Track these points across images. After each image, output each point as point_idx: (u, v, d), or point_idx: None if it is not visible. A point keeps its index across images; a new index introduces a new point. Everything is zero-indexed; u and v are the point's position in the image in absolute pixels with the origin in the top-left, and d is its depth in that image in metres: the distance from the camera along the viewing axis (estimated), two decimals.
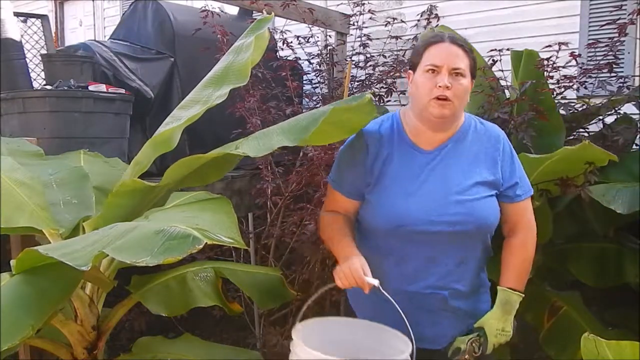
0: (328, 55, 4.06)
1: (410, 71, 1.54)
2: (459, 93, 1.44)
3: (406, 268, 1.51)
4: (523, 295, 1.51)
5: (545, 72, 2.77)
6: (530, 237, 1.56)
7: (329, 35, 4.40)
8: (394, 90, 3.84)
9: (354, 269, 1.39)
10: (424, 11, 4.07)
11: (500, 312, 1.49)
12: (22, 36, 3.23)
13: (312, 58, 4.01)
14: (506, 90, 2.87)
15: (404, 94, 3.80)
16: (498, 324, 1.48)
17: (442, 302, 1.51)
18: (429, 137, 1.51)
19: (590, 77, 2.87)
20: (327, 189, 1.69)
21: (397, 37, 4.05)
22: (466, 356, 1.48)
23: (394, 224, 1.48)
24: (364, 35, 4.00)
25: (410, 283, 1.50)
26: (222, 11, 3.86)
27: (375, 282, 1.39)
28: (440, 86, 1.42)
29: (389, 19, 4.06)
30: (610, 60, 2.85)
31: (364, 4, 4.01)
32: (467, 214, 1.45)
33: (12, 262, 1.40)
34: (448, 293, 1.51)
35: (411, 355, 1.29)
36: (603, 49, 2.91)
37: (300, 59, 3.95)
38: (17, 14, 3.28)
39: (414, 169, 1.51)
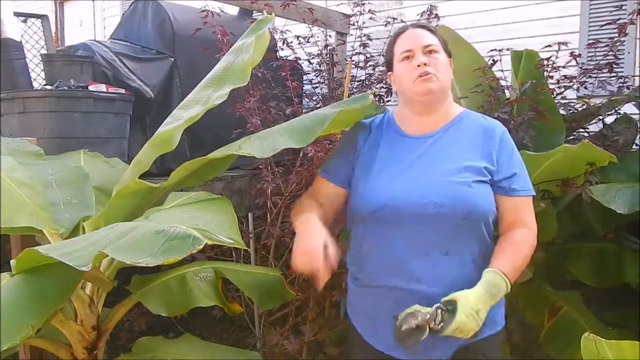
0: (328, 55, 4.06)
1: (389, 73, 1.56)
2: (439, 67, 1.44)
3: (392, 260, 1.43)
4: (510, 288, 1.33)
5: (545, 72, 2.77)
6: (530, 235, 1.43)
7: (329, 35, 4.40)
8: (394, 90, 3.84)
9: (314, 248, 1.25)
10: (424, 11, 4.07)
11: (482, 291, 1.29)
12: (22, 36, 3.22)
13: (312, 58, 4.01)
14: (506, 90, 2.88)
15: None
16: (476, 303, 1.27)
17: (424, 302, 1.33)
18: (418, 124, 1.51)
19: (590, 77, 2.87)
20: (314, 181, 1.64)
21: None
22: (426, 318, 1.25)
23: (378, 204, 1.42)
24: (364, 35, 4.00)
25: (393, 276, 1.43)
26: (222, 11, 3.86)
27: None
28: (418, 65, 1.43)
29: (389, 19, 4.06)
30: (610, 60, 2.85)
31: (364, 4, 4.01)
32: (455, 196, 1.37)
33: (12, 262, 1.40)
34: (432, 290, 1.36)
35: None
36: (603, 49, 2.91)
37: (300, 59, 3.95)
38: (17, 14, 3.27)
39: (401, 154, 1.49)
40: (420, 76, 1.43)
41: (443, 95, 1.48)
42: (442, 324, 1.26)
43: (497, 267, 1.34)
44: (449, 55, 1.52)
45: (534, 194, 1.48)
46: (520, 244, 1.41)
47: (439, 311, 1.27)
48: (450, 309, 1.27)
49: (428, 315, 1.26)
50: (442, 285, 1.36)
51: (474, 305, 1.26)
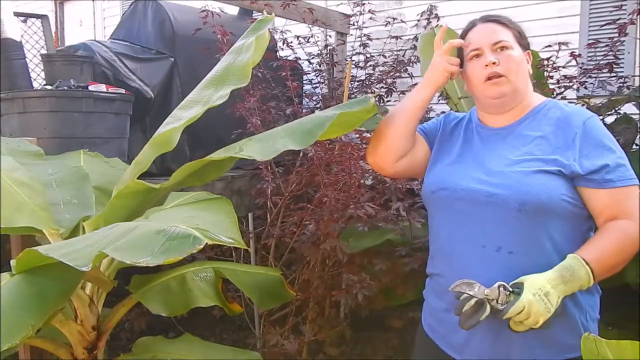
0: (328, 55, 4.06)
1: (460, 70, 1.47)
2: (510, 66, 1.35)
3: (448, 247, 1.40)
4: (592, 281, 1.21)
5: (545, 72, 2.77)
6: (631, 226, 1.26)
7: (329, 35, 4.41)
8: (394, 90, 3.85)
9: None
10: (424, 11, 4.08)
11: (554, 275, 1.20)
12: (22, 36, 3.22)
13: (312, 58, 4.01)
14: None
15: (404, 94, 3.80)
16: (544, 284, 1.18)
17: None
18: (494, 119, 1.44)
19: (590, 77, 2.87)
20: None
21: (397, 37, 4.05)
22: (486, 293, 1.18)
23: (437, 186, 1.43)
24: (364, 35, 4.00)
25: (449, 265, 1.38)
26: (222, 11, 3.86)
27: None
28: (487, 65, 1.35)
29: (389, 19, 4.06)
30: (610, 60, 2.85)
31: (364, 4, 4.01)
32: (507, 185, 1.29)
33: (12, 262, 1.40)
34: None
35: None
36: (603, 49, 2.91)
37: (300, 59, 3.95)
38: (17, 14, 3.28)
39: (472, 145, 1.45)
40: (490, 78, 1.35)
41: (516, 96, 1.38)
42: (506, 305, 1.18)
43: (579, 253, 1.23)
44: (526, 47, 1.42)
45: (637, 183, 1.31)
46: (614, 233, 1.26)
47: (501, 289, 1.19)
48: (517, 291, 1.19)
49: (487, 291, 1.19)
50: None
51: (542, 286, 1.18)
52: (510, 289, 1.21)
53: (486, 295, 1.19)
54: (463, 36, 1.46)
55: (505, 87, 1.35)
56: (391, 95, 3.86)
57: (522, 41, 1.42)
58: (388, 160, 1.51)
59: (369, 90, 3.85)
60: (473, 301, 1.20)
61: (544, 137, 1.34)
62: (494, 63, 1.34)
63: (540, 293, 1.17)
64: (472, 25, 1.44)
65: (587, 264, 1.21)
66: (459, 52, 1.47)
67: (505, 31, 1.39)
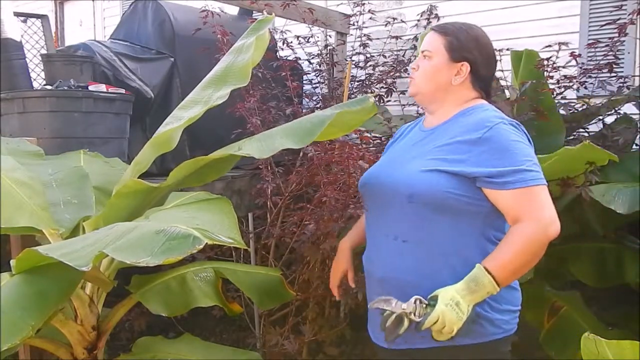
0: (328, 55, 4.06)
1: None
2: (422, 73, 1.54)
3: (369, 239, 1.58)
4: (498, 287, 1.30)
5: (545, 72, 2.77)
6: (529, 227, 1.33)
7: (329, 35, 4.40)
8: (394, 90, 3.85)
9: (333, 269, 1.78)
10: (424, 11, 4.08)
11: (462, 286, 1.30)
12: (22, 36, 3.22)
13: (312, 58, 4.01)
14: (506, 90, 2.88)
15: (404, 93, 3.80)
16: (454, 295, 1.29)
17: (377, 285, 1.49)
18: (429, 119, 1.60)
19: (590, 77, 2.88)
20: None
21: (397, 37, 4.05)
22: (403, 307, 1.29)
23: (365, 181, 1.62)
24: (364, 35, 4.00)
25: (366, 256, 1.59)
26: (222, 11, 3.86)
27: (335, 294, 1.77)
28: (413, 68, 1.58)
29: (389, 19, 4.07)
30: (610, 60, 2.86)
31: (364, 4, 4.01)
32: (403, 180, 1.45)
33: (12, 262, 1.40)
34: (380, 274, 1.48)
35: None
36: (603, 49, 2.92)
37: (300, 59, 3.95)
38: (17, 14, 3.27)
39: (407, 145, 1.61)
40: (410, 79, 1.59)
41: (427, 99, 1.56)
42: (423, 317, 1.29)
43: (484, 262, 1.32)
44: (459, 58, 1.50)
45: (540, 183, 1.37)
46: (516, 237, 1.33)
47: (418, 303, 1.30)
48: (432, 303, 1.29)
49: (405, 306, 1.30)
50: (395, 270, 1.44)
51: (453, 297, 1.28)
52: (427, 302, 1.31)
53: (404, 309, 1.31)
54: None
55: (413, 89, 1.57)
56: (391, 95, 3.86)
57: (455, 52, 1.51)
58: None
59: (369, 90, 3.85)
60: (394, 316, 1.31)
61: (452, 138, 1.46)
62: (413, 68, 1.57)
63: (451, 303, 1.28)
64: (428, 31, 1.61)
65: (489, 272, 1.30)
66: None
67: (439, 40, 1.53)
